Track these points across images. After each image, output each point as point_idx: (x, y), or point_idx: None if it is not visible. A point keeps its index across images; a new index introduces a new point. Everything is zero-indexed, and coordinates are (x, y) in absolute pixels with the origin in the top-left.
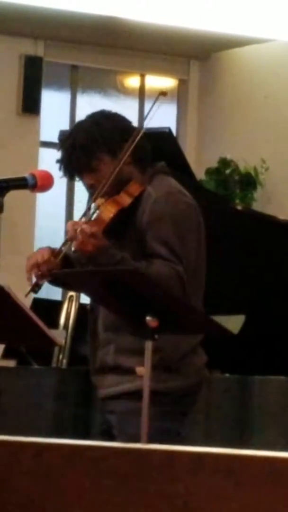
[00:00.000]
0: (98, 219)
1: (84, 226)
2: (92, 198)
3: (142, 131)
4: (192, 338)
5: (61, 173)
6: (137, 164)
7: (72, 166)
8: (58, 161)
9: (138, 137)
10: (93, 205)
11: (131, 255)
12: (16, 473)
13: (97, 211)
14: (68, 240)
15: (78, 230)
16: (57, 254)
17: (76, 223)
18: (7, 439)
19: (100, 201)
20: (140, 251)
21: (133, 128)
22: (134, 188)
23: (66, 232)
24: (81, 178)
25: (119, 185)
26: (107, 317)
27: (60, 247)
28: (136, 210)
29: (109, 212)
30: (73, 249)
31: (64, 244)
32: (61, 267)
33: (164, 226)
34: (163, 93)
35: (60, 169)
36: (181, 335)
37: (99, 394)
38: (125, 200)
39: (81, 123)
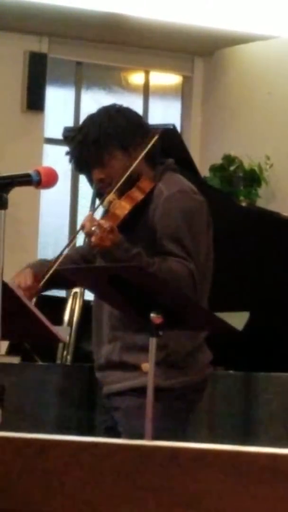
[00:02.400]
0: (113, 214)
1: (102, 221)
2: (104, 193)
3: (156, 136)
4: (197, 335)
5: (65, 170)
6: (148, 160)
7: (83, 160)
8: (68, 153)
9: (153, 141)
10: (104, 201)
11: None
12: (20, 469)
13: (110, 207)
14: (86, 235)
15: (96, 224)
16: (41, 278)
17: (94, 218)
18: (11, 436)
19: (111, 196)
20: (151, 247)
21: (145, 124)
22: (146, 184)
23: (82, 226)
24: (90, 173)
25: (129, 181)
26: (113, 315)
27: (47, 270)
28: (147, 207)
29: (123, 208)
30: (91, 244)
31: (51, 265)
32: (43, 290)
33: (175, 223)
34: None
35: (70, 161)
36: (186, 332)
37: (104, 391)
38: (138, 196)
39: (93, 116)
